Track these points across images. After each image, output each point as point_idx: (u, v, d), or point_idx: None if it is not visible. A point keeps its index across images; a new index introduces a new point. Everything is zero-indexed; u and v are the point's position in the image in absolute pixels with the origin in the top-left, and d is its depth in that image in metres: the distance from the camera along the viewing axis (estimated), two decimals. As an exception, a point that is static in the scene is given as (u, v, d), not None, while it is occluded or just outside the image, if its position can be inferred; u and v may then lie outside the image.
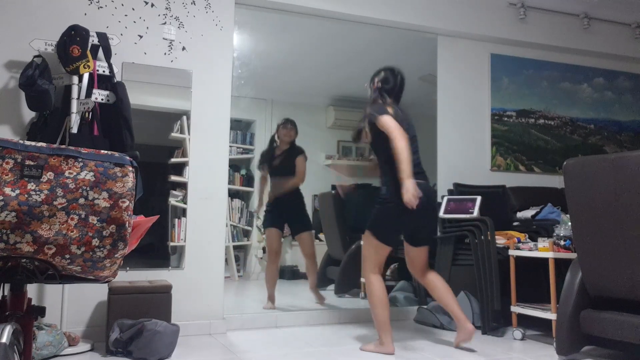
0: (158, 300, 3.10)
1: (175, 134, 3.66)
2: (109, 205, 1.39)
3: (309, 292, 4.74)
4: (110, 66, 3.25)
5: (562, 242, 3.31)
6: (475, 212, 3.78)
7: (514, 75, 4.81)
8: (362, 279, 5.06)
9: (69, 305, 3.17)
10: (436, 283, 3.19)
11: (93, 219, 1.37)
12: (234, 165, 6.59)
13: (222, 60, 3.73)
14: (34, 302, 1.54)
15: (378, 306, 3.03)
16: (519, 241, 3.55)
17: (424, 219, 3.10)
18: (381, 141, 3.05)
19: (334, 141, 7.25)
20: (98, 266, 1.40)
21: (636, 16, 5.14)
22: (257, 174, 6.65)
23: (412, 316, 4.08)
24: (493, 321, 3.60)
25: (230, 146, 3.82)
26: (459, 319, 3.13)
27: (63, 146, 1.42)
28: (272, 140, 4.75)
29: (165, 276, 3.44)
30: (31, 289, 2.96)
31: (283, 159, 4.59)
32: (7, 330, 1.29)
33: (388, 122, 2.96)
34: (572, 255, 3.17)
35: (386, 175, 3.09)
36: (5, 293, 1.49)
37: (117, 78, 3.31)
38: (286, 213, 4.57)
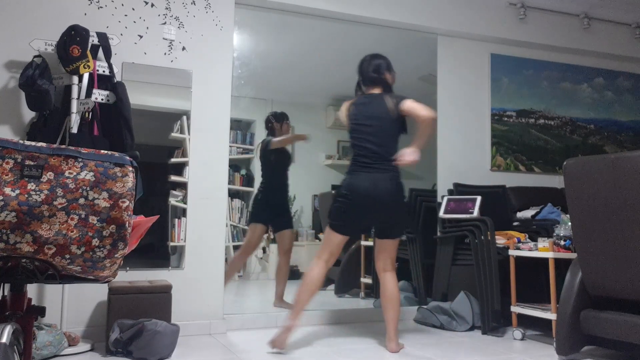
0: (158, 300, 3.10)
1: (175, 134, 3.66)
2: (109, 205, 1.39)
3: (274, 303, 4.47)
4: (110, 66, 3.25)
5: (562, 242, 3.31)
6: (475, 212, 3.78)
7: (514, 75, 4.81)
8: (363, 279, 5.07)
9: (69, 305, 3.17)
10: (387, 286, 3.14)
11: (93, 219, 1.37)
12: (234, 165, 6.59)
13: (222, 60, 3.73)
14: (34, 302, 1.54)
15: (303, 287, 3.07)
16: (519, 241, 3.55)
17: (381, 212, 3.05)
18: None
19: (334, 141, 7.24)
20: (98, 266, 1.40)
21: (636, 16, 5.14)
22: (257, 174, 6.66)
23: (412, 316, 4.08)
24: (493, 321, 3.60)
25: (230, 146, 3.82)
26: (388, 334, 3.08)
27: (63, 146, 1.42)
28: (270, 132, 4.72)
29: (165, 276, 3.44)
30: (31, 289, 2.97)
31: (279, 154, 4.61)
32: (7, 330, 1.29)
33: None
34: (572, 255, 3.17)
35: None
36: (5, 293, 1.49)
37: (117, 78, 3.31)
38: (272, 208, 4.57)
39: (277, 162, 4.62)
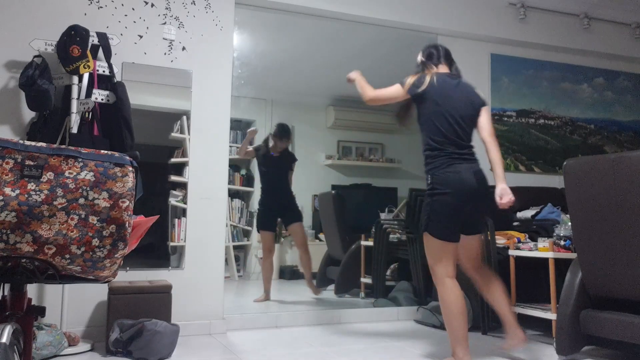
0: (158, 300, 3.10)
1: (175, 134, 3.66)
2: (109, 205, 1.39)
3: (307, 289, 4.97)
4: (110, 66, 3.25)
5: (562, 242, 3.30)
6: (475, 212, 3.77)
7: (514, 75, 4.80)
8: (363, 279, 5.07)
9: (69, 305, 3.17)
10: (491, 280, 2.90)
11: (93, 219, 1.37)
12: (234, 165, 6.59)
13: (222, 60, 3.73)
14: (34, 302, 1.54)
15: (457, 317, 2.65)
16: (519, 241, 3.55)
17: (475, 204, 2.74)
18: (419, 117, 2.84)
19: (334, 141, 7.25)
20: (98, 266, 1.40)
21: (636, 16, 5.14)
22: (256, 174, 6.68)
23: (412, 316, 4.08)
24: (493, 321, 3.60)
25: (230, 146, 3.82)
26: (509, 323, 2.85)
27: (63, 146, 1.42)
28: (267, 141, 5.03)
29: (165, 276, 3.44)
30: (31, 289, 2.96)
31: (278, 164, 4.92)
32: (7, 330, 1.29)
33: (389, 90, 2.85)
34: (572, 255, 3.17)
35: (427, 162, 2.77)
36: (5, 293, 1.49)
37: (117, 78, 3.31)
38: (278, 209, 4.90)
39: (275, 168, 4.91)
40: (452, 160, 2.69)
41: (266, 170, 4.92)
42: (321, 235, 6.34)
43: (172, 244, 3.55)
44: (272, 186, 4.91)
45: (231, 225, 6.42)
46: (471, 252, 2.92)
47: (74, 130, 3.07)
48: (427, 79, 2.80)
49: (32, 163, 1.37)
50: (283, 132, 4.94)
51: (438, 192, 2.67)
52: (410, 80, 2.84)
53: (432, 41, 4.52)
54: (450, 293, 2.69)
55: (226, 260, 5.72)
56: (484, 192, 2.74)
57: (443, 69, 2.91)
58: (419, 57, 3.00)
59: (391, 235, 4.87)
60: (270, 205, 4.87)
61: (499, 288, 2.88)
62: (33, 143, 1.40)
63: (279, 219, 5.08)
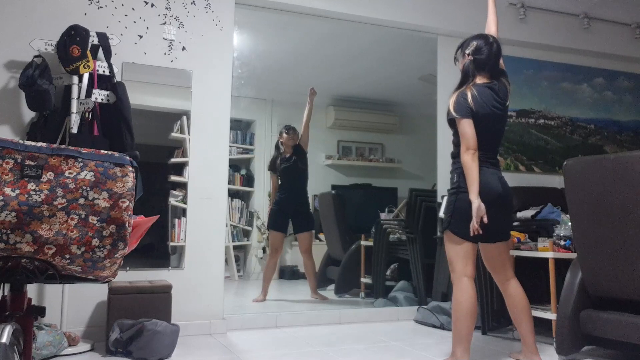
0: (158, 300, 3.10)
1: (175, 134, 3.65)
2: (109, 205, 1.39)
3: (311, 295, 4.96)
4: (110, 66, 3.25)
5: (562, 242, 3.30)
6: (475, 212, 3.77)
7: (514, 75, 4.79)
8: (363, 279, 5.07)
9: (69, 305, 3.17)
10: (515, 297, 2.79)
11: (93, 219, 1.37)
12: (234, 165, 6.59)
13: (222, 60, 3.73)
14: (34, 302, 1.54)
15: (465, 316, 2.61)
16: (519, 241, 3.55)
17: (499, 211, 2.69)
18: (454, 125, 2.76)
19: (334, 141, 7.25)
20: (98, 266, 1.40)
21: (636, 16, 5.13)
22: (257, 174, 6.69)
23: (412, 316, 4.08)
24: (493, 321, 3.60)
25: (230, 146, 3.82)
26: (527, 345, 2.76)
27: (63, 146, 1.42)
28: (277, 146, 5.17)
29: (165, 276, 3.44)
30: (31, 289, 2.96)
31: (290, 162, 5.00)
32: (7, 330, 1.29)
33: (464, 130, 2.65)
34: (572, 255, 3.17)
35: (455, 161, 2.76)
36: (5, 293, 1.49)
37: (117, 78, 3.31)
38: (291, 213, 4.94)
39: (290, 169, 4.98)
40: (479, 163, 2.65)
41: (281, 172, 5.01)
42: (321, 235, 6.34)
43: (172, 244, 3.55)
44: (286, 187, 4.98)
45: (231, 225, 6.42)
46: (494, 262, 2.82)
47: (74, 130, 3.07)
48: (470, 98, 2.67)
49: (32, 163, 1.37)
50: (282, 130, 5.11)
51: (463, 190, 2.65)
52: (454, 107, 2.69)
53: (431, 42, 4.54)
54: (463, 292, 2.64)
55: (226, 260, 5.72)
56: (506, 199, 2.73)
57: (485, 77, 2.76)
58: (468, 49, 2.78)
59: (391, 235, 4.88)
60: (283, 206, 4.92)
61: (524, 308, 2.77)
62: (33, 143, 1.40)
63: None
